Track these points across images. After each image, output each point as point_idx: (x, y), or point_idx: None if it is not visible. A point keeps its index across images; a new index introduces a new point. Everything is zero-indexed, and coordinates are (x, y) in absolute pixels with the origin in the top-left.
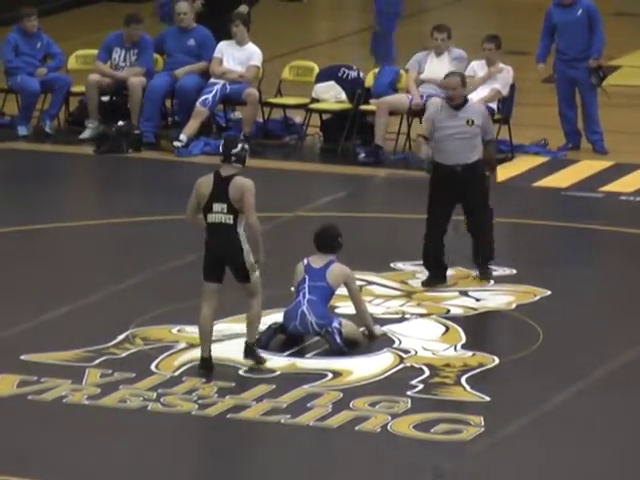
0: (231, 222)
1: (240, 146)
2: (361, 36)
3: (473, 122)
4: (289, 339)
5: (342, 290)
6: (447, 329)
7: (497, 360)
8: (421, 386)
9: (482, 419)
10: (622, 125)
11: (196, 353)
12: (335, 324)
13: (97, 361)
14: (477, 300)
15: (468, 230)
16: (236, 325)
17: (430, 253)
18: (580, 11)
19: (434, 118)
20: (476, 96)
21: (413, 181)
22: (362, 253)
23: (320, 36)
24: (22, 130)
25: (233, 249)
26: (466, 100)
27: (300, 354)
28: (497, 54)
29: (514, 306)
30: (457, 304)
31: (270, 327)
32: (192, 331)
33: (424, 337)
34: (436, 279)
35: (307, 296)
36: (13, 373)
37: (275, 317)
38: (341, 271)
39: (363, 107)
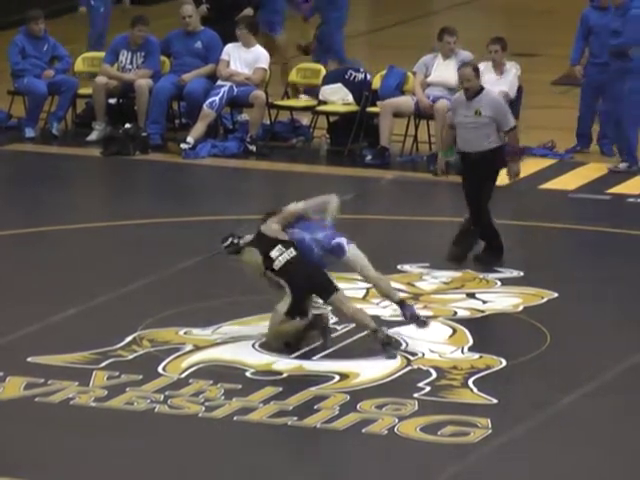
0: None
1: (229, 241)
2: (368, 37)
3: (481, 113)
4: None
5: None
6: (454, 331)
7: (504, 362)
8: (428, 388)
9: (489, 421)
10: None
11: (203, 355)
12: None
13: (104, 363)
14: (484, 302)
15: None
16: (243, 327)
17: (461, 230)
18: None
19: (453, 107)
20: None
21: (419, 183)
22: (369, 255)
23: None
24: (29, 132)
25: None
26: (481, 90)
27: (307, 356)
28: (503, 56)
29: (521, 308)
30: (464, 306)
31: None
32: (199, 333)
33: (431, 339)
34: (452, 256)
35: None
36: (20, 375)
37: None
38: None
39: (370, 109)
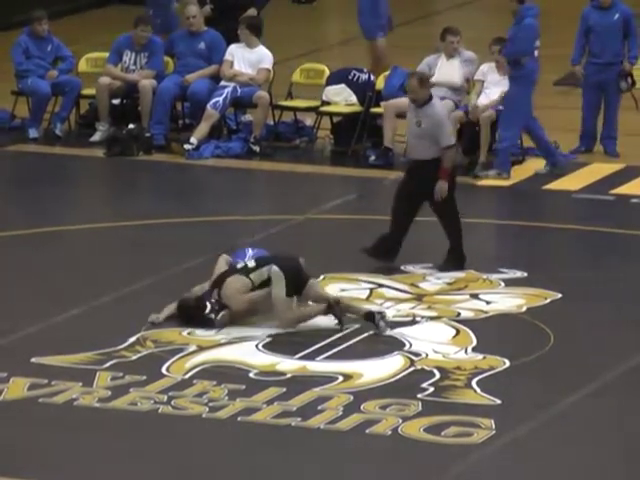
0: None
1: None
2: None
3: (421, 124)
4: None
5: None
6: (458, 332)
7: (508, 363)
8: (432, 389)
9: (493, 422)
10: (633, 128)
11: (206, 356)
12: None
13: (108, 364)
14: (488, 303)
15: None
16: (246, 327)
17: (383, 241)
18: (617, 15)
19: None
20: (486, 99)
21: None
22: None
23: (331, 39)
24: (33, 133)
25: None
26: (428, 100)
27: (311, 357)
28: None
29: (525, 309)
30: (468, 307)
31: None
32: (202, 334)
33: (435, 340)
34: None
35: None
36: (24, 376)
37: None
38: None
39: (373, 110)
